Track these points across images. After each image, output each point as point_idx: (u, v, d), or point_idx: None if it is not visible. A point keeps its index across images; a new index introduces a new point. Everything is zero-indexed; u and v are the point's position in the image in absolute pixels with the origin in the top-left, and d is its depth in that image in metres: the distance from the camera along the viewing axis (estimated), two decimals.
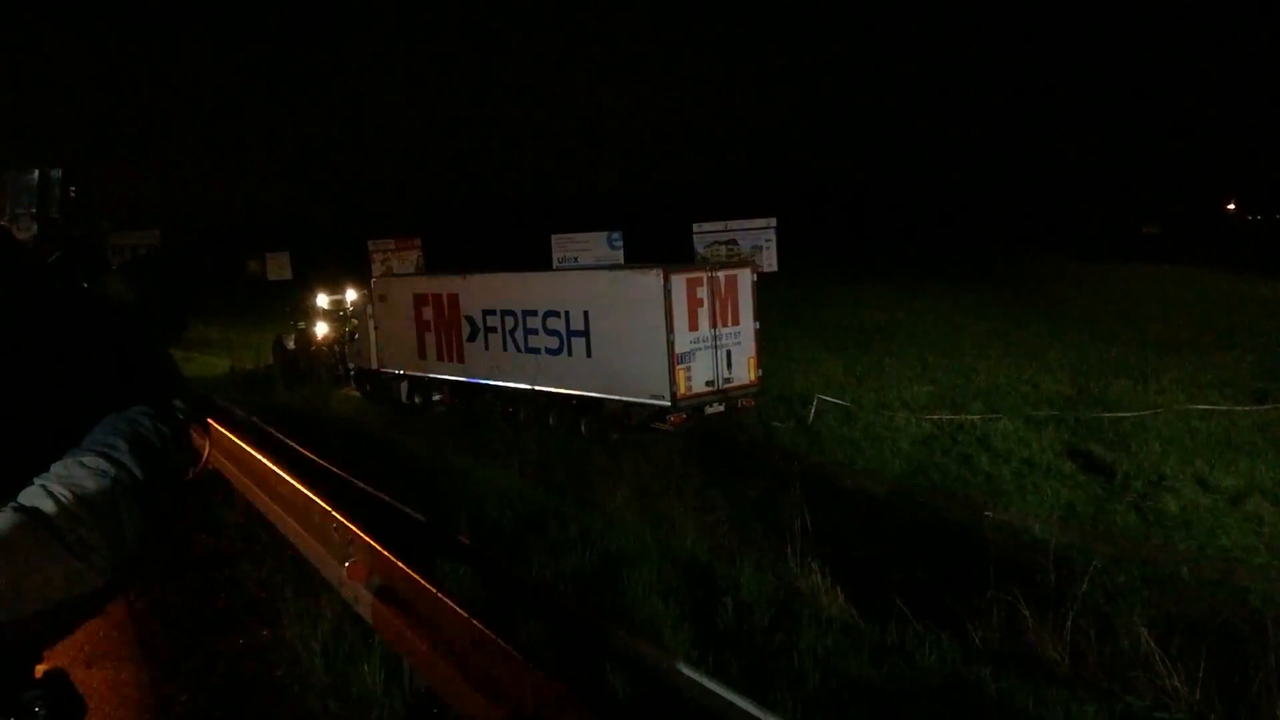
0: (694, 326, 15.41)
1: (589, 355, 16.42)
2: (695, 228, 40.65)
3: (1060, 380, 19.52)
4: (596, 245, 40.86)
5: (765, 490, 12.79)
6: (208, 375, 26.79)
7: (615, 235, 41.02)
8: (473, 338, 18.87)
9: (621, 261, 36.09)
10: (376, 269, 39.76)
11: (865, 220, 77.05)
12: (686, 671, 4.83)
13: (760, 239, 39.62)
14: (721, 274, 15.99)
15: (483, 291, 18.88)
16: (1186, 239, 59.43)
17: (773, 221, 39.77)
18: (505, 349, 18.07)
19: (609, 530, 9.04)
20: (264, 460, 8.64)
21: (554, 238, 41.84)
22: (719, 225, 40.47)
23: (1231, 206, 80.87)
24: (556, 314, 16.90)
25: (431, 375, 20.25)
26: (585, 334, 16.43)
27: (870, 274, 46.63)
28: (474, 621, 4.30)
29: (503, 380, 18.29)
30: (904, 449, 15.45)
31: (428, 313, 19.99)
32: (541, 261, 37.97)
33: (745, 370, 16.09)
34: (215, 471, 9.80)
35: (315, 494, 7.02)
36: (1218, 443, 14.58)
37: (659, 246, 30.49)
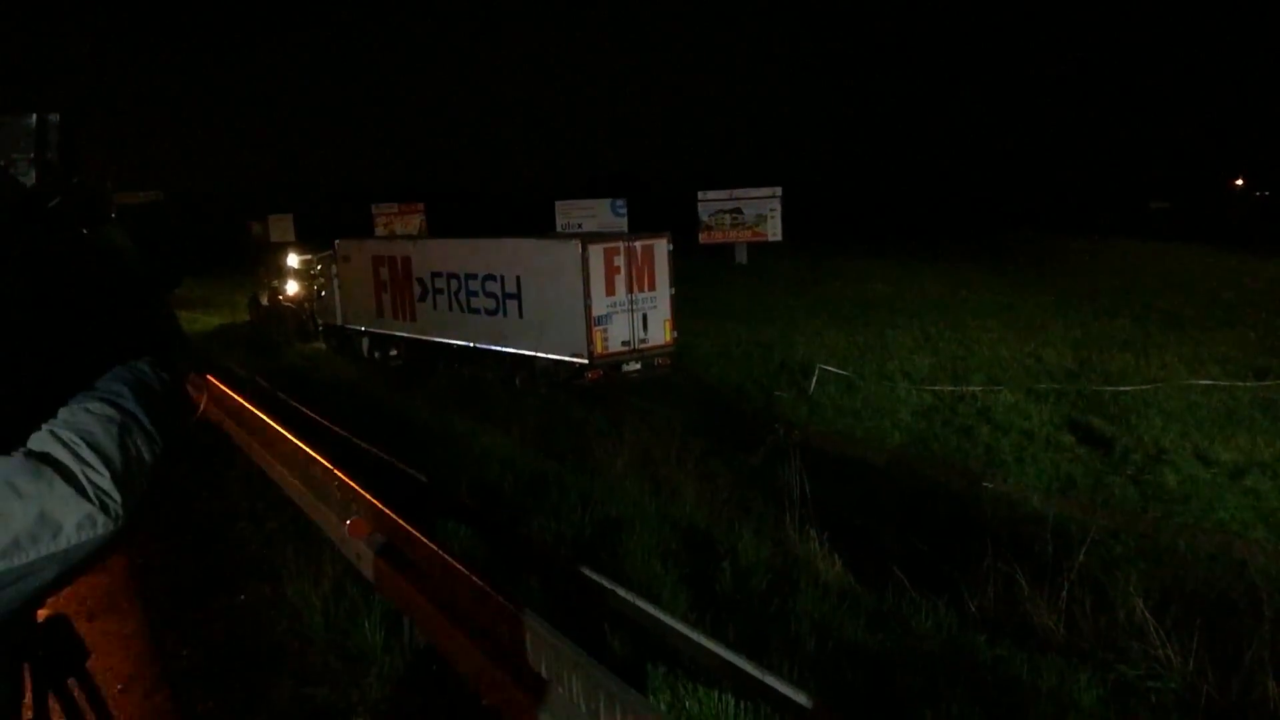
0: (611, 292, 16.64)
1: (521, 316, 17.72)
2: (700, 195, 40.42)
3: (1063, 353, 19.48)
4: (601, 212, 40.70)
5: (766, 459, 12.83)
6: (206, 330, 27.06)
7: (619, 202, 40.84)
8: (423, 298, 20.15)
9: (625, 229, 35.98)
10: (380, 232, 39.68)
11: (872, 191, 76.70)
12: (684, 631, 4.87)
13: (765, 208, 39.42)
14: (639, 244, 17.17)
15: (431, 255, 20.25)
16: (1194, 215, 59.12)
17: (778, 190, 39.53)
18: (451, 309, 19.41)
19: (609, 495, 9.07)
20: (266, 418, 8.67)
21: (558, 204, 41.66)
22: (724, 194, 40.24)
23: (1239, 183, 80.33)
24: (494, 278, 18.22)
25: (388, 332, 21.60)
26: (518, 297, 17.74)
27: (875, 245, 46.47)
28: (474, 578, 4.33)
29: (449, 338, 19.64)
30: (904, 420, 15.46)
31: (384, 274, 21.27)
32: (547, 226, 37.80)
33: (661, 332, 17.26)
34: (218, 429, 9.84)
35: (317, 452, 7.05)
36: (1218, 417, 14.57)
37: (664, 214, 30.33)
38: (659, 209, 42.44)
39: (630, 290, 16.83)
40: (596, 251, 16.55)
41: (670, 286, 17.27)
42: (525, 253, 18.06)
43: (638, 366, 17.06)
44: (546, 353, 17.25)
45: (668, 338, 17.35)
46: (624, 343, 16.81)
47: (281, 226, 47.98)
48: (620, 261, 16.78)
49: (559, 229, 38.02)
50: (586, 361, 16.49)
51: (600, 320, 16.48)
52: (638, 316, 16.91)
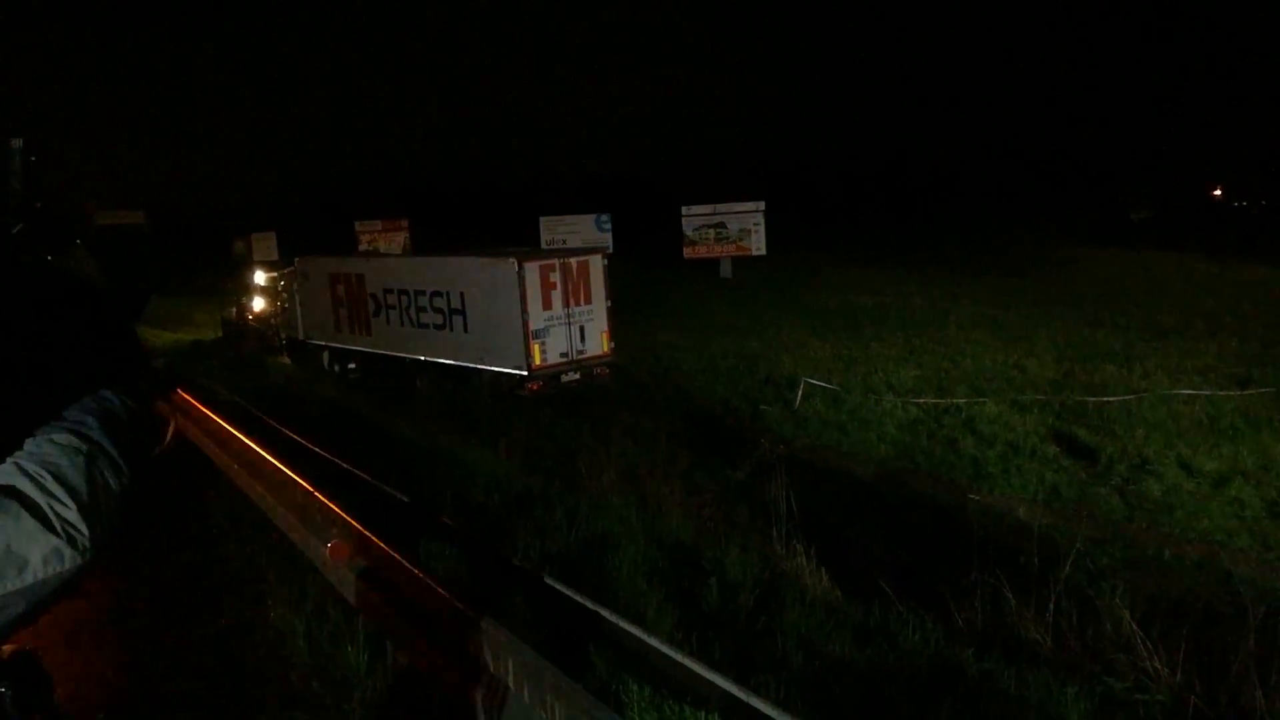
0: (548, 306, 17.45)
1: (466, 331, 18.49)
2: (684, 210, 40.52)
3: (1046, 364, 19.56)
4: (585, 227, 40.72)
5: (752, 473, 12.80)
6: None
7: (604, 217, 40.88)
8: (377, 313, 20.90)
9: (609, 245, 36.04)
10: (364, 249, 39.57)
11: (855, 204, 77.14)
12: (669, 652, 4.84)
13: (749, 222, 39.55)
14: (574, 260, 18.10)
15: (383, 272, 21.13)
16: (1175, 224, 59.61)
17: (761, 204, 39.66)
18: (402, 324, 20.16)
19: (595, 512, 9.02)
20: (246, 440, 8.61)
21: (543, 219, 41.67)
22: (708, 208, 40.33)
23: (1218, 193, 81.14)
24: (440, 294, 19.02)
25: (346, 346, 22.24)
26: (463, 312, 18.52)
27: (859, 258, 46.67)
28: (456, 602, 4.29)
29: (401, 352, 20.35)
30: (890, 433, 15.47)
31: (341, 290, 21.98)
32: (531, 242, 37.81)
33: (599, 343, 18.08)
34: (198, 452, 9.76)
35: (298, 474, 6.99)
36: (1201, 427, 14.63)
37: (648, 229, 30.37)
38: (645, 223, 42.45)
39: (567, 304, 17.61)
40: (532, 269, 17.37)
41: (606, 299, 18.06)
42: (467, 270, 18.73)
43: (576, 376, 17.87)
44: (490, 365, 18.04)
45: (605, 348, 18.17)
46: (562, 354, 17.61)
47: (265, 244, 47.75)
48: (556, 277, 17.59)
49: (544, 244, 38.05)
50: (526, 373, 17.24)
51: (538, 334, 17.26)
52: (575, 329, 17.68)
